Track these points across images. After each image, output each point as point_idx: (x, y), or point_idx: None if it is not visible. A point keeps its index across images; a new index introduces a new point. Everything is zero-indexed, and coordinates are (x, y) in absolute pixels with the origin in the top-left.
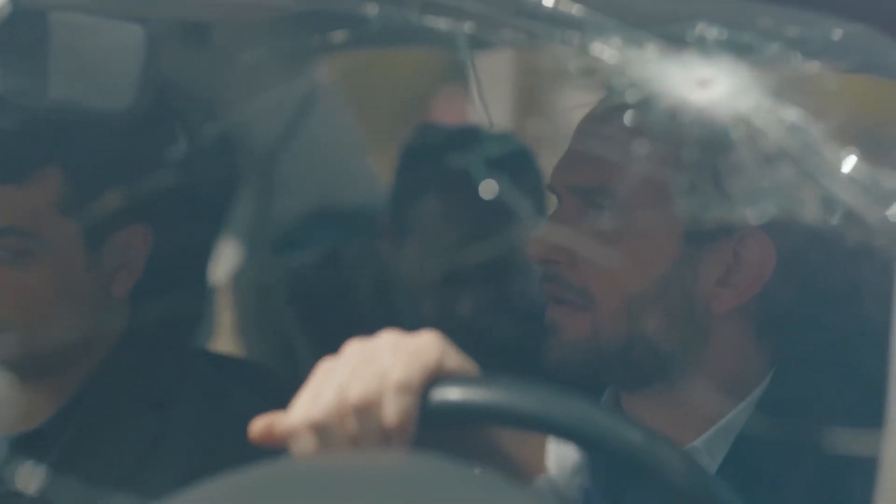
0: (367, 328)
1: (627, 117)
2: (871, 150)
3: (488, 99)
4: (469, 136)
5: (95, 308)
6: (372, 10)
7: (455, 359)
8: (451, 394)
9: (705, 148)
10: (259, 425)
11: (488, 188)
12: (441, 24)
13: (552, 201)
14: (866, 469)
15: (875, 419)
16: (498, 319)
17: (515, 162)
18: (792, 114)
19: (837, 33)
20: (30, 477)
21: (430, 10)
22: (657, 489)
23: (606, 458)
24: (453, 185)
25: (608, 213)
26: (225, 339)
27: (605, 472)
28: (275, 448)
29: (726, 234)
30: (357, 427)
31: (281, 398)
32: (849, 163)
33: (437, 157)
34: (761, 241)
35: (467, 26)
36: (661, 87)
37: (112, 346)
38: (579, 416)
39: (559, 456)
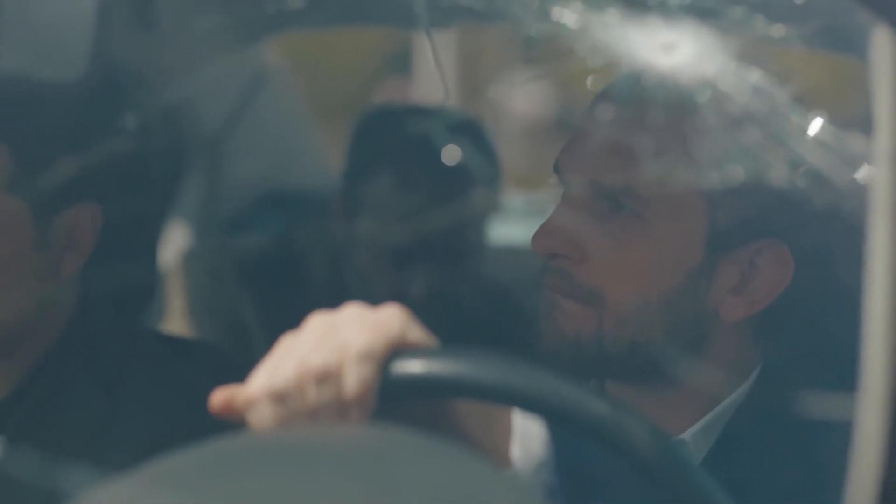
0: (320, 307)
1: (644, 106)
2: (838, 113)
3: (444, 70)
4: (421, 115)
5: (44, 288)
6: None
7: (417, 332)
8: (413, 366)
9: (671, 112)
10: (219, 396)
11: (444, 156)
12: None
13: (554, 187)
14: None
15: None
16: (451, 295)
17: (468, 136)
18: (757, 77)
19: None
20: None
21: None
22: (623, 462)
23: (571, 430)
24: (404, 162)
25: (629, 215)
26: (175, 321)
27: (570, 468)
28: (234, 419)
29: (745, 242)
30: (317, 396)
31: (231, 378)
32: (815, 125)
33: (389, 135)
34: (780, 252)
35: None
36: (624, 51)
37: (62, 326)
38: (543, 388)
39: (524, 450)
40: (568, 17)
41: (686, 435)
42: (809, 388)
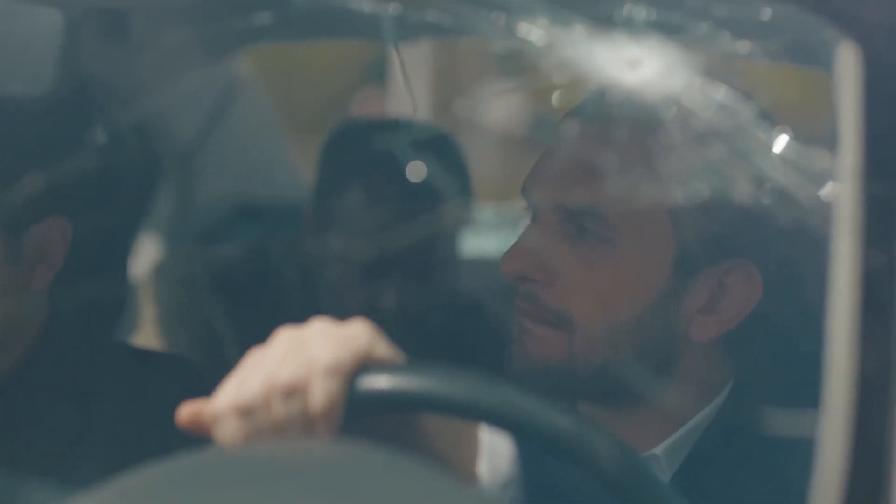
0: (291, 320)
1: (610, 125)
2: (802, 130)
3: (414, 85)
4: (392, 128)
5: (13, 302)
6: None
7: (384, 348)
8: (379, 381)
9: (636, 130)
10: (186, 411)
11: (415, 170)
12: (366, 6)
13: (522, 210)
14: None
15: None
16: (422, 309)
17: (439, 149)
18: (722, 93)
19: (766, 13)
20: None
21: None
22: (588, 476)
23: (536, 444)
24: (376, 176)
25: (596, 237)
26: (147, 333)
27: (538, 485)
28: (201, 434)
29: (713, 262)
30: (283, 411)
31: (202, 391)
32: (780, 142)
33: (360, 149)
34: (748, 271)
35: (392, 8)
36: (590, 67)
37: (32, 340)
38: (508, 403)
39: (491, 467)
40: (534, 33)
41: (658, 450)
42: (779, 405)
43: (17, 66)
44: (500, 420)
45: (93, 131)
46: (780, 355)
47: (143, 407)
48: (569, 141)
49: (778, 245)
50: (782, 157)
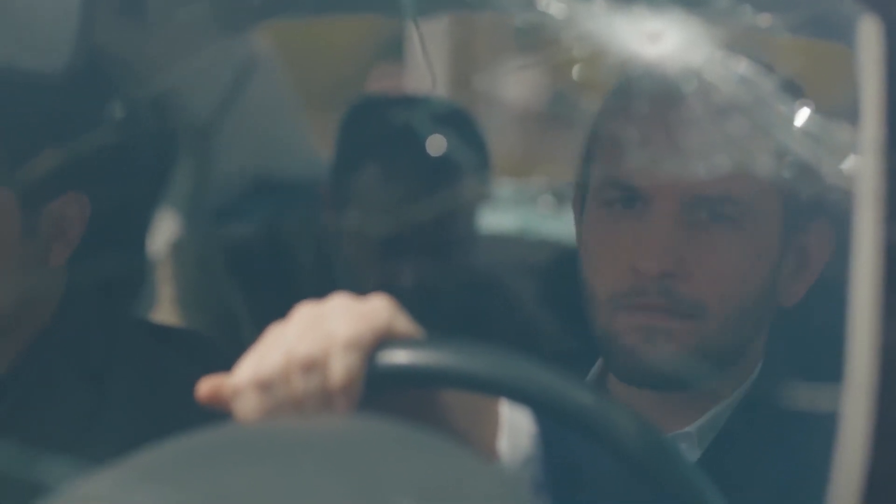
0: (308, 297)
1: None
2: (823, 104)
3: (432, 61)
4: (409, 104)
5: (32, 277)
6: None
7: (403, 323)
8: (399, 356)
9: (651, 102)
10: (206, 386)
11: (432, 145)
12: None
13: (643, 204)
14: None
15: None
16: (440, 286)
17: (457, 125)
18: (743, 67)
19: None
20: None
21: None
22: (610, 455)
23: (557, 421)
24: (393, 152)
25: (726, 221)
26: (165, 311)
27: (559, 463)
28: (220, 408)
29: (803, 228)
30: (303, 386)
31: (220, 367)
32: (802, 116)
33: (377, 125)
34: (824, 231)
35: None
36: (609, 42)
37: (50, 316)
38: (528, 378)
39: (512, 445)
40: (554, 6)
41: (692, 427)
42: (807, 381)
43: (35, 41)
44: (521, 396)
45: (110, 107)
46: (807, 331)
47: (160, 382)
48: (676, 130)
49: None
50: (804, 129)
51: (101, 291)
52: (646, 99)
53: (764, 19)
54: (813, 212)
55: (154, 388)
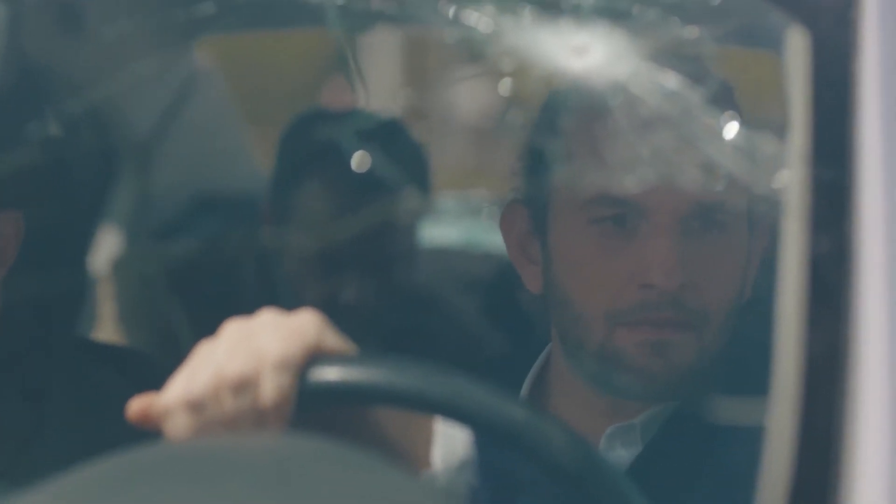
0: (249, 314)
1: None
2: (752, 117)
3: (366, 76)
4: (347, 119)
5: None
6: None
7: (333, 339)
8: (330, 373)
9: (582, 116)
10: (135, 405)
11: (364, 160)
12: None
13: (638, 219)
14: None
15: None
16: (382, 301)
17: (395, 139)
18: (671, 80)
19: None
20: None
21: None
22: (541, 469)
23: (486, 435)
24: (330, 167)
25: (717, 227)
26: (107, 329)
27: (493, 469)
28: (151, 429)
29: (759, 224)
30: (233, 405)
31: (159, 385)
32: (730, 129)
33: (315, 141)
34: (764, 228)
35: None
36: (537, 55)
37: None
38: (458, 394)
39: (446, 451)
40: (481, 20)
41: (637, 420)
42: (732, 391)
43: None
44: (451, 412)
45: (43, 122)
46: (742, 337)
47: (100, 402)
48: (666, 158)
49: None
50: (731, 142)
51: (39, 310)
52: (592, 112)
53: (691, 31)
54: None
55: (91, 408)
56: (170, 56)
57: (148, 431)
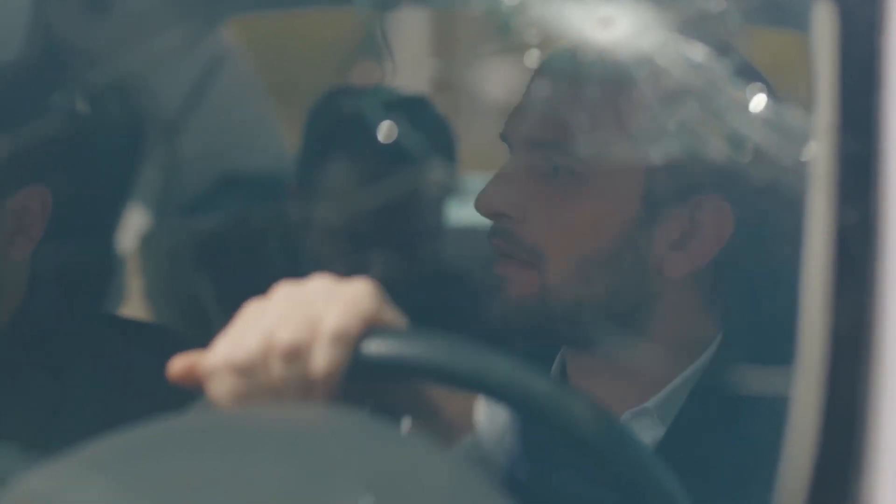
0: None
1: (580, 72)
2: (778, 91)
3: (393, 52)
4: (374, 96)
5: None
6: None
7: (389, 312)
8: (385, 346)
9: (608, 87)
10: (179, 363)
11: (386, 131)
12: None
13: (502, 152)
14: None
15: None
16: (407, 278)
17: (422, 117)
18: (697, 52)
19: None
20: None
21: None
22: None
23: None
24: (359, 145)
25: (565, 170)
26: (134, 305)
27: (533, 436)
28: (193, 387)
29: (684, 198)
30: (282, 373)
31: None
32: (757, 101)
33: (342, 118)
34: (720, 206)
35: None
36: (563, 27)
37: (12, 311)
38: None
39: (489, 416)
40: None
41: (650, 403)
42: (767, 361)
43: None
44: (502, 395)
45: (69, 97)
46: (767, 311)
47: (124, 378)
48: (542, 87)
49: (753, 187)
50: (758, 114)
51: (66, 285)
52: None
53: (718, 4)
54: (705, 184)
55: (117, 383)
56: (199, 33)
57: (175, 406)
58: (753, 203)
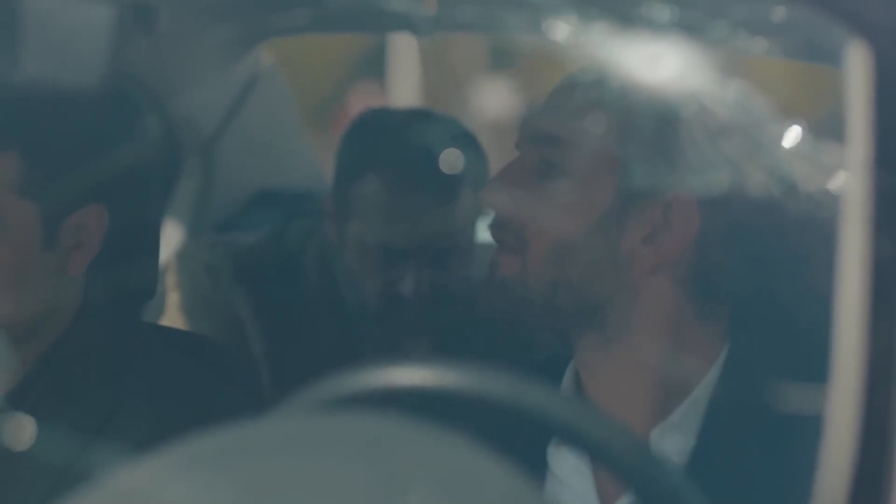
0: (311, 305)
1: (584, 90)
2: (812, 126)
3: (436, 81)
4: (410, 120)
5: (51, 285)
6: None
7: None
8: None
9: (655, 121)
10: None
11: (437, 160)
12: (400, 4)
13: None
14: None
15: (820, 377)
16: (439, 300)
17: (457, 140)
18: (738, 89)
19: (780, 13)
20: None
21: None
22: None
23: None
24: (394, 165)
25: (551, 166)
26: (171, 319)
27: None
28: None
29: (657, 196)
30: None
31: (228, 370)
32: (792, 137)
33: (378, 140)
34: (688, 205)
35: (428, 6)
36: (614, 63)
37: (69, 322)
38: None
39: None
40: (559, 29)
41: (674, 416)
42: (777, 374)
43: (63, 60)
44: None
45: (129, 123)
46: (770, 310)
47: (172, 383)
48: (547, 100)
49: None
50: (792, 150)
51: (117, 299)
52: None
53: (759, 44)
54: (671, 185)
55: (167, 389)
56: (237, 58)
57: (224, 411)
58: (763, 221)
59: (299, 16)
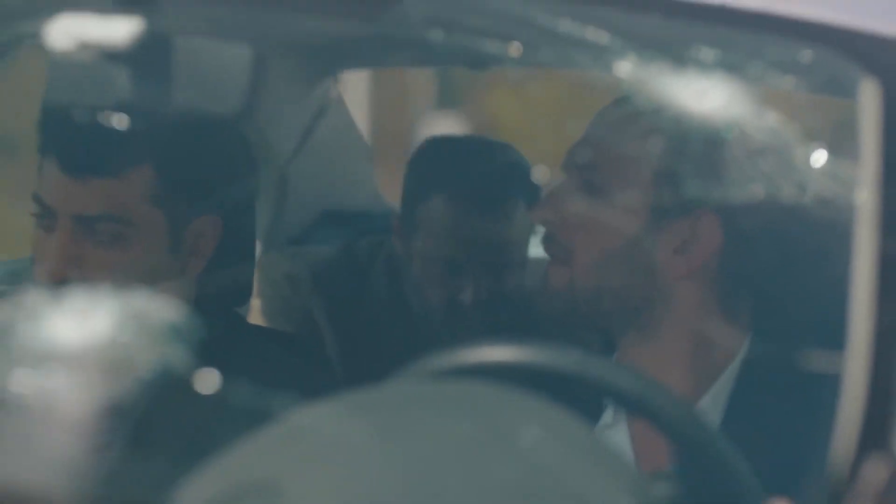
0: (380, 311)
1: (625, 120)
2: (831, 149)
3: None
4: (469, 145)
5: (173, 285)
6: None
7: None
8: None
9: (704, 143)
10: None
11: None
12: (491, 45)
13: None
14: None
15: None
16: (495, 307)
17: (514, 165)
18: (771, 119)
19: (806, 55)
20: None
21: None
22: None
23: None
24: (456, 188)
25: (594, 187)
26: (254, 319)
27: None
28: None
29: (686, 212)
30: None
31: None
32: (817, 157)
33: (443, 166)
34: (712, 220)
35: (514, 47)
36: (668, 96)
37: None
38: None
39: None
40: (623, 66)
41: (705, 400)
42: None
43: (205, 95)
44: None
45: (242, 147)
46: (795, 323)
47: (273, 373)
48: (593, 125)
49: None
50: (817, 168)
51: (220, 301)
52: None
53: (789, 80)
54: (695, 206)
55: (268, 378)
56: (309, 87)
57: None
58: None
59: (372, 50)
